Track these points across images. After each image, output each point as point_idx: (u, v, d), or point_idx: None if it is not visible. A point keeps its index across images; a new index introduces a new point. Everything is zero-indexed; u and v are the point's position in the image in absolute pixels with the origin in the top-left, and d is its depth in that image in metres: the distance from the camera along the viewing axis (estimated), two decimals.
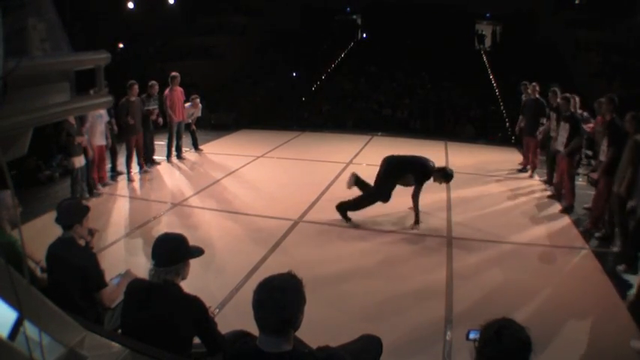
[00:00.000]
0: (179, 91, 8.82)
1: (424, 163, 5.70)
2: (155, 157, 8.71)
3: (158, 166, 8.58)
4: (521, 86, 8.67)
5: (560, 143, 6.65)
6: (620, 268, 4.79)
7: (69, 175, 6.70)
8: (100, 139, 7.08)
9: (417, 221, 5.75)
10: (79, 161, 6.40)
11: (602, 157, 5.78)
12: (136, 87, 7.61)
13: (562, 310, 4.07)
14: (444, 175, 5.73)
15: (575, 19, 17.19)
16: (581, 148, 6.81)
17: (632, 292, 4.26)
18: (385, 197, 5.77)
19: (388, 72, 18.14)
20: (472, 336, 1.86)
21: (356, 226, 5.80)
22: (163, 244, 2.31)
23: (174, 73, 8.78)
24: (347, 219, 5.84)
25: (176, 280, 2.30)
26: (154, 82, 8.32)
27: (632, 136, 4.91)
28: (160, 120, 8.43)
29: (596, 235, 5.62)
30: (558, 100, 7.10)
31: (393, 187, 5.77)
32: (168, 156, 8.97)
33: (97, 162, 7.14)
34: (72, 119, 6.16)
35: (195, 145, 9.74)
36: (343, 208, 5.84)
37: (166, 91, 8.61)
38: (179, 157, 9.18)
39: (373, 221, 5.88)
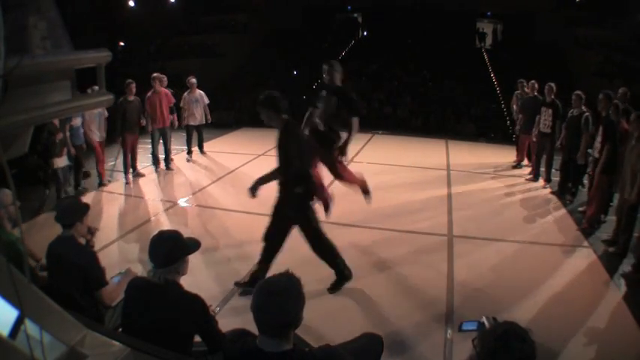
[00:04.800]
0: (163, 93, 7.92)
1: None
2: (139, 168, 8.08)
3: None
4: (517, 83, 8.75)
5: (543, 126, 7.28)
6: (627, 270, 4.68)
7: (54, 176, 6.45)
8: (97, 135, 7.18)
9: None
10: (61, 161, 6.28)
11: (596, 154, 5.79)
12: (134, 86, 7.44)
13: (562, 308, 4.08)
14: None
15: (576, 17, 17.15)
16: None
17: None
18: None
19: (389, 70, 18.09)
20: (465, 327, 1.81)
21: (355, 224, 5.79)
22: (159, 245, 2.28)
23: (155, 74, 7.92)
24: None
25: (176, 278, 2.30)
26: (130, 79, 7.58)
27: (638, 137, 4.80)
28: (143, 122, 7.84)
29: (610, 250, 5.19)
30: (535, 93, 7.85)
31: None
32: (166, 163, 8.32)
33: (99, 158, 7.25)
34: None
35: (200, 145, 9.64)
36: None
37: (148, 93, 7.83)
38: (167, 166, 8.36)
39: (373, 219, 5.88)
